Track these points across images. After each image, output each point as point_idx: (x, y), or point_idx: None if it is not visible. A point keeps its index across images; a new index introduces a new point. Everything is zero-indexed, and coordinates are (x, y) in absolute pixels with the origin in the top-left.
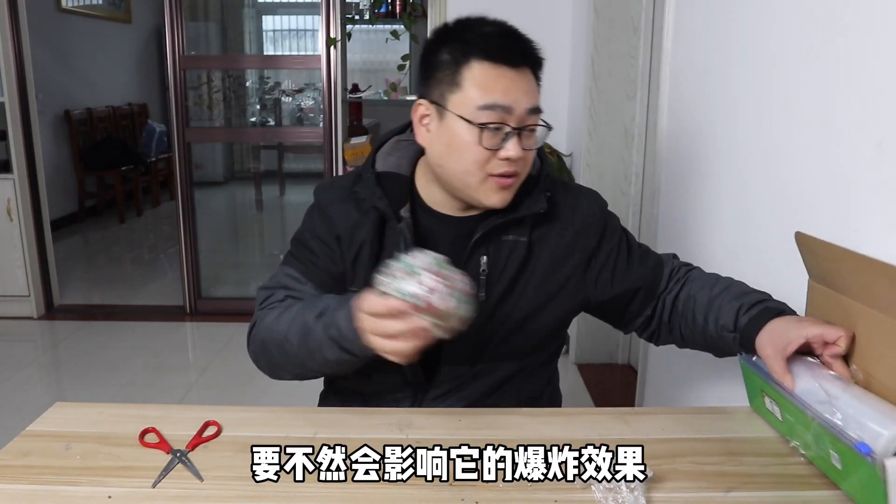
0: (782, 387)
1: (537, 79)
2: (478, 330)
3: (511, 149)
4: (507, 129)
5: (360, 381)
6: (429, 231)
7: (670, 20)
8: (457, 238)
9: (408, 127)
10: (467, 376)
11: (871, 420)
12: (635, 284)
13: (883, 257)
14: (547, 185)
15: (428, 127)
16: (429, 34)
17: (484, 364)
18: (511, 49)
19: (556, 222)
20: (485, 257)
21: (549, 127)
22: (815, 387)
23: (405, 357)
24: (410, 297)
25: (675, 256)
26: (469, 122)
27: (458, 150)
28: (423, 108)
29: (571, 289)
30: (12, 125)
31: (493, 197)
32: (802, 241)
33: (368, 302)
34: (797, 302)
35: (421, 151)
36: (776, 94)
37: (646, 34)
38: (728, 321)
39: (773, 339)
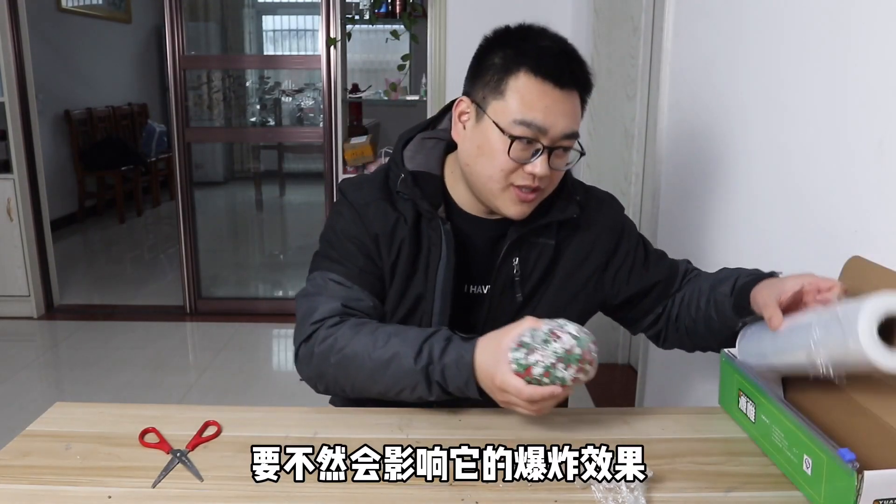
0: (769, 326)
1: (584, 102)
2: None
3: (538, 166)
4: (539, 146)
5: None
6: (463, 233)
7: (670, 20)
8: (489, 241)
9: (430, 123)
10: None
11: (848, 306)
12: (651, 281)
13: (883, 258)
14: (575, 189)
15: (465, 124)
16: (489, 33)
17: None
18: (562, 69)
19: (580, 225)
20: (517, 259)
21: (582, 153)
22: (802, 322)
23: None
24: (562, 382)
25: (688, 262)
26: (502, 131)
27: (487, 155)
28: (464, 104)
29: (590, 290)
30: (12, 125)
31: (512, 208)
32: (854, 265)
33: (523, 392)
34: None
35: (447, 151)
36: (776, 94)
37: (646, 34)
38: (726, 288)
39: (768, 289)
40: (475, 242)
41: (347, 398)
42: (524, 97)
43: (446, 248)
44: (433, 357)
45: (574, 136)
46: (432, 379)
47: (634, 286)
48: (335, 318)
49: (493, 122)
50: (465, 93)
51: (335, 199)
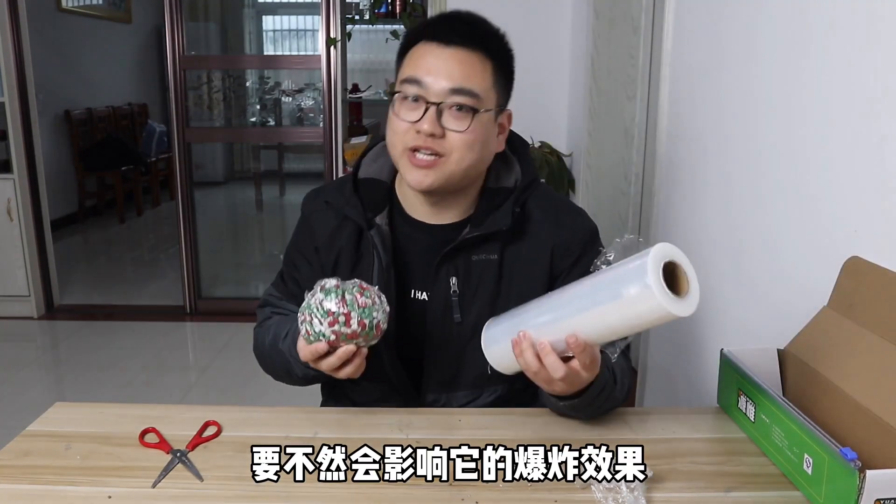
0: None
1: (496, 68)
2: (457, 356)
3: (425, 122)
4: (424, 105)
5: (353, 389)
6: (405, 238)
7: (670, 20)
8: (429, 248)
9: None
10: (454, 404)
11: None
12: None
13: (883, 258)
14: (521, 198)
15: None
16: None
17: (467, 391)
18: (448, 28)
19: (530, 239)
20: (454, 278)
21: (474, 111)
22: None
23: (355, 373)
24: (323, 336)
25: None
26: (394, 95)
27: (388, 123)
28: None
29: None
30: (12, 125)
31: (409, 174)
32: (853, 265)
33: (301, 352)
34: (792, 303)
35: None
36: (776, 94)
37: (646, 34)
38: None
39: None
40: (417, 247)
41: (298, 385)
42: (411, 60)
43: (383, 252)
44: (290, 334)
45: (465, 91)
46: (291, 355)
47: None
48: (264, 321)
49: (390, 90)
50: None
51: None
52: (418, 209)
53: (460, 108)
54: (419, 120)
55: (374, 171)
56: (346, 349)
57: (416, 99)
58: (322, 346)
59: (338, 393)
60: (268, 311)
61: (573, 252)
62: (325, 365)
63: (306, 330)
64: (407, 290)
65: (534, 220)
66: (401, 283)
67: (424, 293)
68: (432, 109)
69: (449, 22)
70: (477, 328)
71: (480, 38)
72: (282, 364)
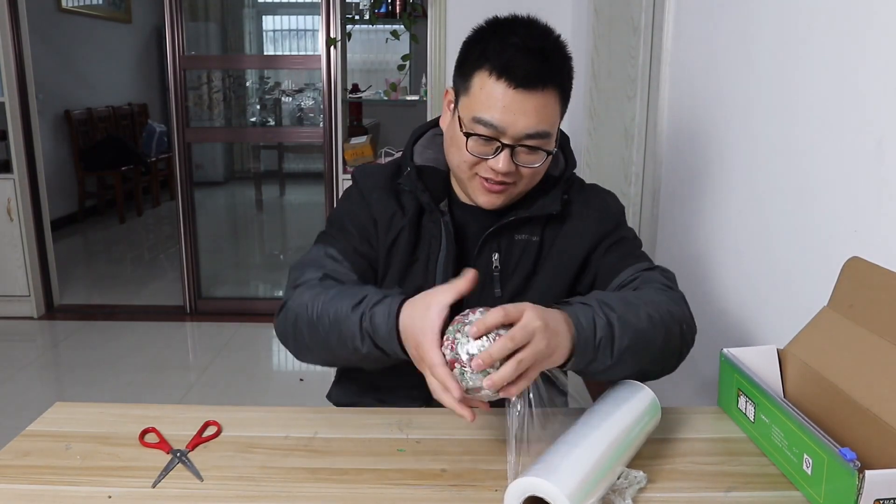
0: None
1: (563, 98)
2: None
3: (499, 162)
4: (498, 143)
5: (382, 373)
6: (462, 224)
7: (670, 20)
8: (479, 231)
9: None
10: None
11: None
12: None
13: (883, 259)
14: (566, 186)
15: (449, 113)
16: (476, 25)
17: None
18: (522, 69)
19: (569, 222)
20: (496, 254)
21: (549, 153)
22: None
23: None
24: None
25: (663, 271)
26: (462, 126)
27: (455, 146)
28: (449, 94)
29: (574, 285)
30: (12, 125)
31: (481, 197)
32: (853, 265)
33: (434, 358)
34: (792, 303)
35: None
36: (776, 94)
37: (646, 34)
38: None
39: None
40: (472, 232)
41: (324, 364)
42: (483, 96)
43: (445, 240)
44: (368, 303)
45: (541, 135)
46: (363, 326)
47: (602, 267)
48: (313, 281)
49: (459, 116)
50: (453, 82)
51: (348, 186)
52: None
53: (534, 147)
54: (492, 157)
55: (430, 159)
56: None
57: (490, 138)
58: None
59: (354, 374)
60: (318, 272)
61: (606, 228)
62: (448, 403)
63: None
64: (459, 271)
65: (571, 204)
66: (457, 266)
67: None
68: (507, 151)
69: (523, 57)
70: (510, 302)
71: (556, 73)
72: (336, 334)
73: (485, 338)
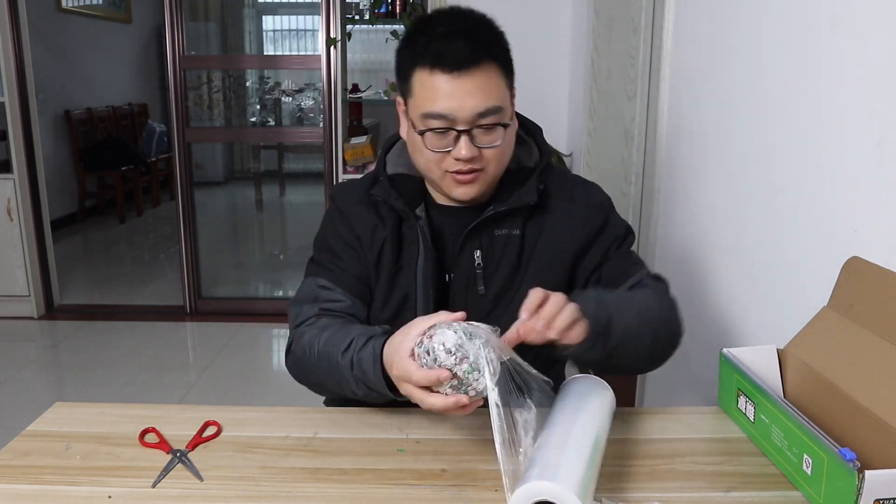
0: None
1: (505, 72)
2: None
3: (462, 149)
4: (454, 132)
5: None
6: (440, 226)
7: (670, 20)
8: (459, 230)
9: None
10: None
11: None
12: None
13: (882, 259)
14: (543, 177)
15: (404, 120)
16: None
17: None
18: (452, 53)
19: (553, 214)
20: (478, 251)
21: (505, 126)
22: None
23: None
24: (476, 393)
25: (662, 281)
26: (414, 127)
27: (417, 150)
28: (399, 103)
29: (567, 278)
30: (12, 125)
31: (456, 190)
32: (853, 265)
33: (411, 374)
34: (792, 303)
35: None
36: (776, 94)
37: (646, 34)
38: None
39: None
40: (452, 233)
41: (340, 398)
42: (424, 91)
43: (423, 244)
44: (355, 349)
45: (492, 111)
46: (354, 373)
47: (606, 273)
48: (311, 318)
49: (410, 119)
50: (398, 90)
51: (328, 207)
52: (444, 196)
53: (490, 126)
54: (454, 148)
55: (402, 166)
56: (459, 399)
57: (445, 130)
58: (445, 374)
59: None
60: (315, 308)
61: (596, 223)
62: (430, 402)
63: (465, 377)
64: (442, 274)
65: (552, 197)
66: (439, 269)
67: (452, 272)
68: (464, 136)
69: (449, 43)
70: (497, 300)
71: (486, 48)
72: (333, 380)
73: (450, 331)
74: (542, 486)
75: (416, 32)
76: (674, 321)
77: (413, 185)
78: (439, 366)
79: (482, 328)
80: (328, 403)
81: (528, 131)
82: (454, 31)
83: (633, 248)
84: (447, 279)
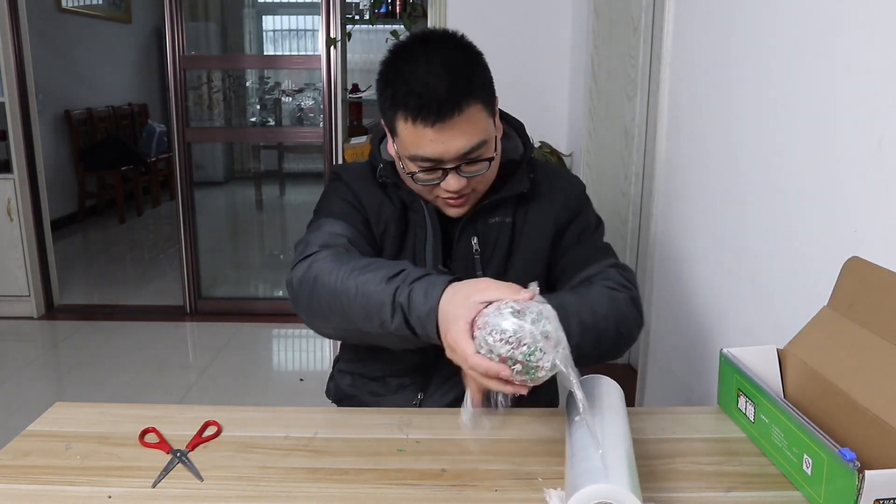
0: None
1: (488, 104)
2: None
3: (450, 183)
4: (440, 170)
5: (370, 363)
6: (441, 214)
7: (670, 20)
8: (455, 219)
9: None
10: None
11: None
12: (574, 259)
13: (882, 259)
14: (530, 167)
15: (391, 142)
16: (381, 65)
17: None
18: (433, 106)
19: (537, 202)
20: (475, 238)
21: (488, 161)
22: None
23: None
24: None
25: (624, 271)
26: (402, 165)
27: (405, 175)
28: (384, 124)
29: (548, 263)
30: (12, 125)
31: (449, 211)
32: (853, 265)
33: (467, 357)
34: (792, 303)
35: None
36: (776, 94)
37: (646, 34)
38: None
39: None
40: (448, 220)
41: (337, 336)
42: (408, 138)
43: (431, 227)
44: (407, 278)
45: (476, 147)
46: (397, 300)
47: (568, 259)
48: (323, 252)
49: (397, 153)
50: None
51: (330, 181)
52: None
53: (476, 158)
54: (442, 181)
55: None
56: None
57: (432, 168)
58: (506, 371)
59: (349, 367)
60: (326, 237)
61: (572, 209)
62: (483, 378)
63: (528, 359)
64: (446, 257)
65: (537, 185)
66: (443, 252)
67: (449, 259)
68: (452, 173)
69: (429, 94)
70: None
71: (467, 90)
72: (362, 305)
73: (501, 319)
74: (603, 489)
75: (393, 75)
76: (626, 320)
77: None
78: (498, 356)
79: (531, 304)
80: (332, 399)
81: (512, 125)
82: (432, 80)
83: (608, 240)
84: (445, 265)
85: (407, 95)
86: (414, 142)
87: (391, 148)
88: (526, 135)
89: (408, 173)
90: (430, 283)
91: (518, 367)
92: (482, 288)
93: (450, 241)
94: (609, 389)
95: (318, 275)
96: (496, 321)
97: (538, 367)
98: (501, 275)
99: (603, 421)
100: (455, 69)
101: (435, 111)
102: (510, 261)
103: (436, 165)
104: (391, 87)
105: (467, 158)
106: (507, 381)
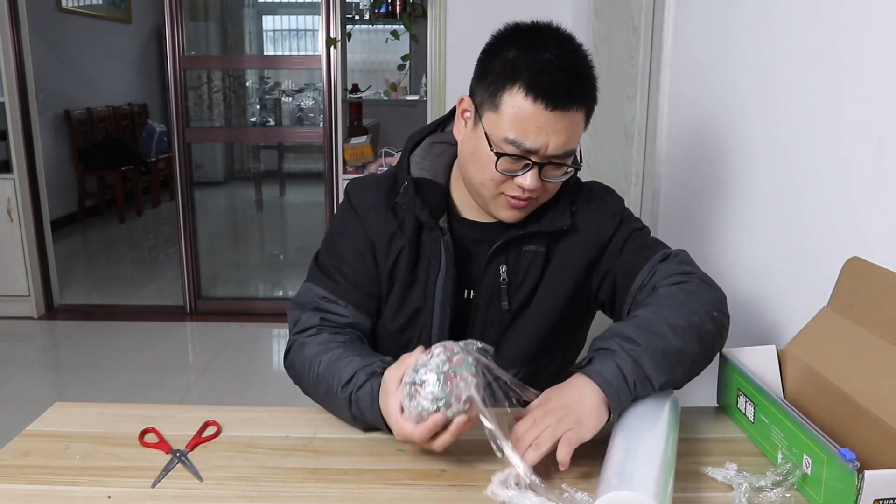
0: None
1: (588, 116)
2: (495, 342)
3: (528, 179)
4: (528, 161)
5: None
6: (463, 240)
7: (670, 20)
8: (484, 244)
9: (439, 126)
10: None
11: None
12: (630, 265)
13: (882, 259)
14: (572, 197)
15: (465, 123)
16: (500, 28)
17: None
18: (559, 90)
19: (573, 234)
20: (504, 266)
21: (577, 168)
22: None
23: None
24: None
25: (675, 256)
26: (491, 145)
27: (479, 162)
28: (465, 103)
29: (581, 287)
30: (12, 125)
31: (504, 213)
32: (853, 266)
33: (415, 431)
34: (792, 303)
35: (455, 157)
36: (776, 94)
37: (646, 34)
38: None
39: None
40: (473, 247)
41: None
42: (516, 116)
43: (445, 259)
44: (355, 385)
45: (568, 154)
46: (352, 410)
47: (619, 269)
48: (312, 329)
49: (486, 132)
50: (470, 91)
51: (341, 202)
52: (475, 211)
53: (560, 164)
54: (521, 175)
55: (427, 171)
56: (460, 421)
57: (520, 157)
58: (440, 417)
59: None
60: (315, 318)
61: (609, 234)
62: (439, 444)
63: (422, 407)
64: (460, 290)
65: (578, 213)
66: (457, 285)
67: (473, 289)
68: (536, 169)
69: (560, 81)
70: (517, 315)
71: (585, 94)
72: (330, 406)
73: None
74: (622, 496)
75: (520, 47)
76: (712, 305)
77: (437, 193)
78: (428, 411)
79: (417, 358)
80: None
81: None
82: (565, 67)
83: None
84: (465, 295)
85: (537, 71)
86: (520, 123)
87: (458, 129)
88: (576, 162)
89: (495, 152)
90: (370, 386)
91: (441, 403)
92: (391, 379)
93: (467, 271)
94: (664, 402)
95: (298, 371)
96: (403, 392)
97: (456, 389)
98: (527, 305)
99: (640, 434)
100: (584, 72)
101: (557, 96)
102: (537, 292)
103: (525, 156)
104: (515, 54)
105: (557, 160)
106: (449, 427)
